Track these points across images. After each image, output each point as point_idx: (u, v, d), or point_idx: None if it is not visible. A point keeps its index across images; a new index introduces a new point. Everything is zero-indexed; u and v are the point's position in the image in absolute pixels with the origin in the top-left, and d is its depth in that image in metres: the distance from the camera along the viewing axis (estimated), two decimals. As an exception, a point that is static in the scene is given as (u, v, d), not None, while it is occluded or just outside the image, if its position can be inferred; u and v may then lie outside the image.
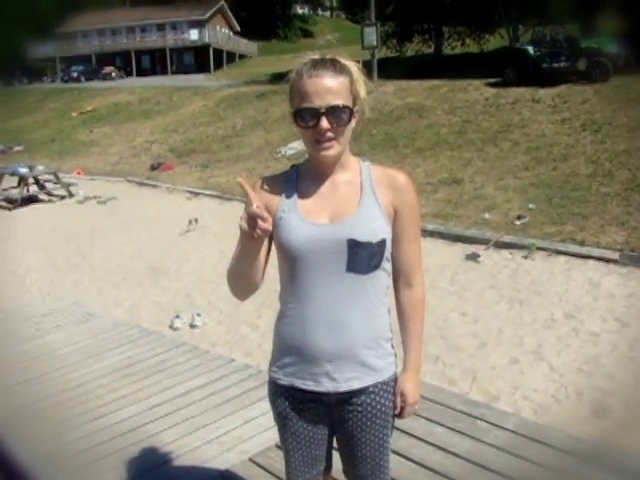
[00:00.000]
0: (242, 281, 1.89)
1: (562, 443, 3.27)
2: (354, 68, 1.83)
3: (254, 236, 1.65)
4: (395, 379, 1.98)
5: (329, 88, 1.75)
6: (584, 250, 7.64)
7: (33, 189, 15.07)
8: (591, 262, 7.35)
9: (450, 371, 5.09)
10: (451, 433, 3.44)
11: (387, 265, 1.90)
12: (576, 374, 4.92)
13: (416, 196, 1.92)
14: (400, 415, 2.01)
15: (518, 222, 8.93)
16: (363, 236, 1.80)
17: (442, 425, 3.51)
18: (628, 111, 13.05)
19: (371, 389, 1.91)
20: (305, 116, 1.76)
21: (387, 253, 1.87)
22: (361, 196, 1.86)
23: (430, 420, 3.57)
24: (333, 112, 1.75)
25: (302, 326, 1.87)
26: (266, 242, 1.85)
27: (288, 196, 1.88)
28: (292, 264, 1.86)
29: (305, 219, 1.84)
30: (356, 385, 1.89)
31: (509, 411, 4.20)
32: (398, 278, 1.96)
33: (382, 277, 1.89)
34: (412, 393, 1.97)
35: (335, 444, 2.11)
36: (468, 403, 3.89)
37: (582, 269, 7.21)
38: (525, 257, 7.78)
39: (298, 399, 1.96)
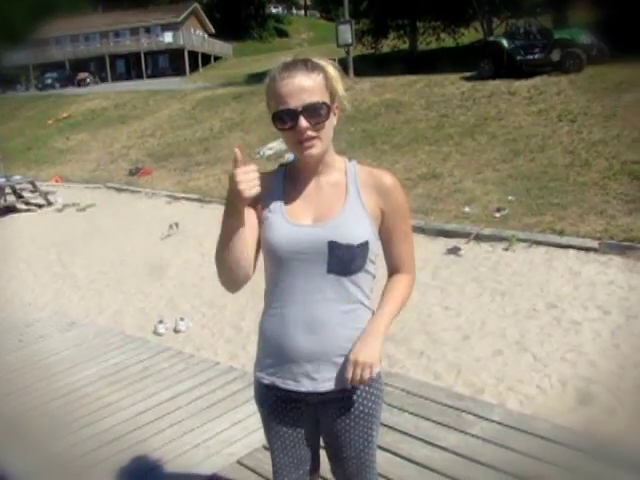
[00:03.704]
0: (231, 264, 1.80)
1: (548, 432, 3.31)
2: (329, 66, 1.84)
3: (244, 193, 1.64)
4: (380, 380, 1.99)
5: (303, 87, 1.75)
6: (564, 240, 7.70)
7: (10, 199, 14.89)
8: (571, 251, 7.41)
9: (434, 365, 5.11)
10: (437, 427, 3.46)
11: (371, 267, 1.90)
12: (560, 363, 4.96)
13: (404, 196, 1.93)
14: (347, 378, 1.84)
15: (498, 214, 8.99)
16: (344, 238, 1.81)
17: (428, 419, 3.54)
18: (603, 100, 13.19)
19: (353, 391, 1.92)
20: (283, 118, 1.77)
21: (371, 255, 1.88)
22: (346, 198, 1.87)
23: (416, 415, 3.59)
24: (310, 110, 1.75)
25: (283, 326, 1.89)
26: (255, 232, 1.87)
27: (274, 196, 1.90)
28: (275, 264, 1.88)
29: (288, 220, 1.85)
30: (336, 386, 1.89)
31: (494, 403, 4.24)
32: (391, 273, 1.99)
33: (365, 279, 1.90)
34: (356, 351, 1.83)
35: (322, 443, 2.12)
36: (453, 396, 3.92)
37: (562, 259, 7.27)
38: (506, 249, 7.83)
39: (281, 399, 1.97)
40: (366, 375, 1.81)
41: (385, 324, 1.88)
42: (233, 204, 1.70)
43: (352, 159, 1.96)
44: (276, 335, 1.91)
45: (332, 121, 1.84)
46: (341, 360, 1.88)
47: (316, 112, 1.76)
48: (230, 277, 1.85)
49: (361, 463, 2.02)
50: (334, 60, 1.91)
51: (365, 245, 1.83)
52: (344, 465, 2.03)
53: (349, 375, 1.82)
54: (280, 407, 1.98)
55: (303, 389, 1.90)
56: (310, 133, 1.77)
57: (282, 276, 1.87)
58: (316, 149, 1.81)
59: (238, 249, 1.78)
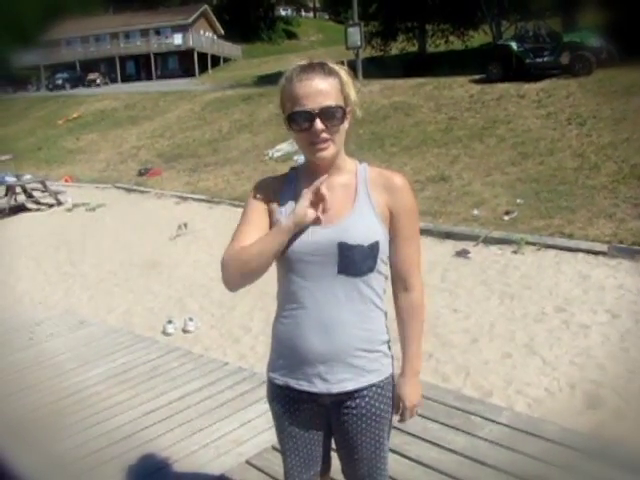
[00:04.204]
0: (256, 271, 1.87)
1: (556, 435, 3.31)
2: (342, 71, 1.86)
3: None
4: (392, 381, 2.00)
5: (320, 90, 1.77)
6: (573, 243, 7.69)
7: (21, 198, 14.96)
8: (580, 255, 7.40)
9: (443, 367, 5.11)
10: (446, 429, 3.46)
11: (383, 267, 1.91)
12: (568, 367, 4.95)
13: (413, 198, 1.93)
14: (400, 419, 2.04)
15: (507, 217, 8.98)
16: (354, 239, 1.81)
17: (437, 421, 3.54)
18: (612, 104, 13.15)
19: (365, 392, 1.93)
20: (298, 119, 1.79)
21: (382, 256, 1.88)
22: (355, 199, 1.87)
23: (425, 417, 3.59)
24: (326, 113, 1.77)
25: (296, 327, 1.90)
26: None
27: (285, 198, 1.91)
28: (286, 266, 1.89)
29: None
30: (349, 387, 1.91)
31: (503, 405, 4.24)
32: (396, 281, 1.98)
33: (377, 279, 1.90)
34: (409, 396, 1.99)
35: (333, 445, 2.12)
36: (462, 399, 3.93)
37: (571, 262, 7.26)
38: (514, 252, 7.82)
39: (294, 399, 1.98)
40: (415, 414, 2.06)
41: (419, 361, 2.04)
42: (290, 229, 1.82)
43: (363, 161, 1.97)
44: (289, 336, 1.92)
45: (345, 125, 1.85)
46: (354, 361, 1.89)
47: (332, 115, 1.78)
48: (244, 282, 1.91)
49: (372, 465, 2.03)
50: (342, 63, 1.94)
51: (375, 245, 1.84)
52: (355, 467, 2.04)
53: (404, 418, 2.04)
54: (293, 407, 1.99)
55: (316, 390, 1.92)
56: (324, 135, 1.79)
57: (294, 278, 1.88)
58: (329, 152, 1.82)
59: (269, 264, 1.87)
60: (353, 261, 1.83)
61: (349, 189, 1.89)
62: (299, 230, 1.84)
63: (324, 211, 1.85)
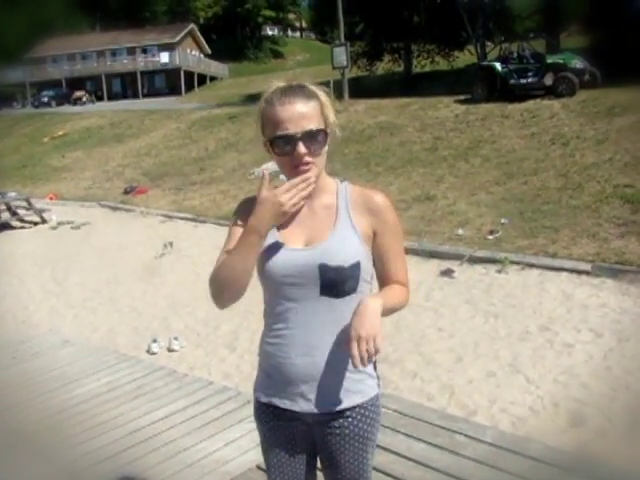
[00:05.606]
0: (235, 282, 1.81)
1: (540, 454, 3.32)
2: (321, 93, 1.87)
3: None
4: (377, 403, 1.99)
5: (302, 113, 1.78)
6: (556, 262, 7.75)
7: (5, 216, 14.87)
8: (564, 274, 7.46)
9: (428, 387, 5.13)
10: (430, 448, 3.47)
11: (365, 288, 1.91)
12: (552, 385, 4.98)
13: (395, 215, 1.93)
14: (351, 354, 1.71)
15: (491, 237, 9.04)
16: (334, 261, 1.82)
17: (421, 440, 3.54)
18: (595, 124, 13.33)
19: (349, 412, 1.92)
20: (281, 143, 1.79)
21: (365, 275, 1.89)
22: (336, 219, 1.88)
23: (409, 436, 3.60)
24: (309, 137, 1.78)
25: (280, 347, 1.91)
26: None
27: None
28: (270, 287, 1.91)
29: (281, 244, 1.87)
30: (332, 407, 1.91)
31: (487, 424, 4.25)
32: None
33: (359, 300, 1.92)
34: (357, 326, 1.72)
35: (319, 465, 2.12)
36: (446, 418, 3.93)
37: (555, 281, 7.31)
38: (499, 271, 7.87)
39: (278, 417, 1.98)
40: (372, 349, 1.69)
41: (381, 302, 1.79)
42: (259, 230, 1.77)
43: (344, 180, 1.98)
44: (274, 356, 1.93)
45: (326, 147, 1.85)
46: (337, 382, 1.90)
47: (314, 138, 1.79)
48: (229, 296, 1.86)
49: None
50: (328, 83, 1.95)
51: (356, 266, 1.84)
52: None
53: (354, 352, 1.69)
54: (277, 425, 2.00)
55: (298, 409, 1.92)
56: (307, 159, 1.79)
57: (279, 299, 1.89)
58: (312, 174, 1.82)
59: (248, 274, 1.81)
60: (334, 282, 1.84)
61: (330, 210, 1.90)
62: (280, 252, 1.85)
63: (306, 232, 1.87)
